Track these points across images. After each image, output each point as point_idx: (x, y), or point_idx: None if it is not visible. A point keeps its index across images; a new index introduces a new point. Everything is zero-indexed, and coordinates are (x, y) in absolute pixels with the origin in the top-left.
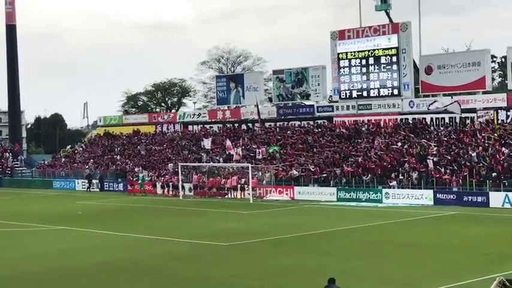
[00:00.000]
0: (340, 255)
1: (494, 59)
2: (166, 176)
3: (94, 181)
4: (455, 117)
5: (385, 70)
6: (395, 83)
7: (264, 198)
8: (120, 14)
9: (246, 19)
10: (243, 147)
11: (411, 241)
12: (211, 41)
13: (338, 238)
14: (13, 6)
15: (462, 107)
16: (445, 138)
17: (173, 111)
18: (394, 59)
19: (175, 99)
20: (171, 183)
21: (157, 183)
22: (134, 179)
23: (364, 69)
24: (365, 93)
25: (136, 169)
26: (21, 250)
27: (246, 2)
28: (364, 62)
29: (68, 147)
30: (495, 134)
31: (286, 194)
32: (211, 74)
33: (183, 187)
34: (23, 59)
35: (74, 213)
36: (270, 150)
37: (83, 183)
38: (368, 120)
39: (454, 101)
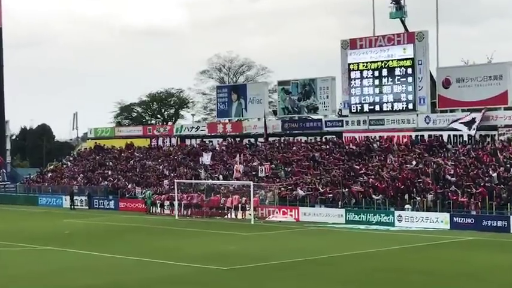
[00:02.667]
0: (347, 283)
1: None
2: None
3: (83, 198)
4: (474, 135)
5: (399, 83)
6: (410, 97)
7: (267, 219)
8: (109, 18)
9: (244, 26)
10: (245, 163)
11: (425, 268)
12: (208, 48)
13: (346, 264)
14: None
15: (482, 124)
16: (463, 157)
17: (170, 123)
18: (410, 70)
19: (172, 111)
20: (166, 202)
21: (157, 201)
22: (142, 197)
23: (376, 82)
24: (377, 108)
25: (130, 185)
26: (3, 271)
27: (244, 8)
28: (376, 73)
29: (55, 162)
30: None
31: (291, 215)
32: (211, 84)
33: (179, 206)
34: (8, 65)
35: (61, 232)
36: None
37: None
38: (380, 136)
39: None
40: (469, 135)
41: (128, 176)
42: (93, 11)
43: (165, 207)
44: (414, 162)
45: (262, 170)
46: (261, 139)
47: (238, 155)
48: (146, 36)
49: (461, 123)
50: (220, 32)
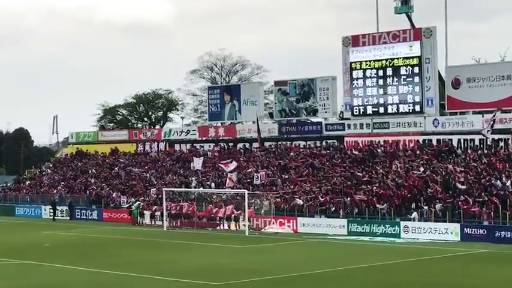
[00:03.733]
0: None
1: None
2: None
3: (63, 208)
4: (486, 139)
5: (405, 83)
6: (417, 98)
7: (262, 230)
8: (88, 11)
9: (237, 21)
10: (238, 170)
11: (433, 284)
12: (198, 46)
13: (348, 279)
14: None
15: (494, 128)
16: (475, 164)
17: (157, 127)
18: (416, 69)
19: (160, 114)
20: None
21: (144, 211)
22: (127, 206)
23: (381, 82)
24: (382, 110)
25: (114, 194)
26: None
27: (235, 2)
28: (381, 72)
29: (34, 169)
30: None
31: (288, 226)
32: (202, 85)
33: (168, 216)
34: None
35: (41, 245)
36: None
37: (51, 210)
38: (385, 141)
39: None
40: (481, 139)
41: (112, 184)
42: (68, 2)
43: (156, 217)
44: (422, 169)
45: (258, 178)
46: (256, 144)
47: (231, 162)
48: (128, 32)
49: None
50: (210, 29)
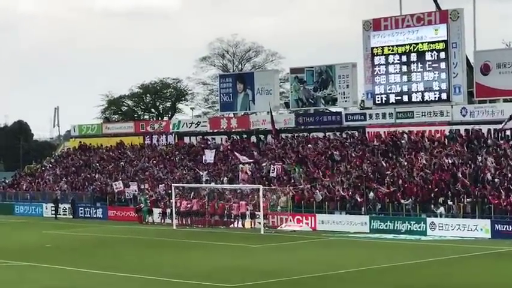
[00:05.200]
0: None
1: None
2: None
3: (66, 206)
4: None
5: (430, 69)
6: (444, 86)
7: (279, 228)
8: None
9: (247, 4)
10: (253, 164)
11: (462, 284)
12: (207, 31)
13: (371, 280)
14: None
15: None
16: (508, 155)
17: (165, 118)
18: (443, 55)
19: (168, 104)
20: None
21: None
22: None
23: (404, 68)
24: (405, 98)
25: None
26: None
27: None
28: (404, 58)
29: (34, 164)
30: None
31: (306, 223)
32: (213, 73)
33: (177, 214)
34: None
35: (42, 245)
36: (291, 171)
37: (52, 208)
38: (409, 131)
39: None
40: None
41: (118, 180)
42: None
43: (166, 215)
44: (449, 161)
45: (274, 170)
46: (270, 135)
47: (243, 153)
48: (132, 18)
49: None
50: (219, 13)
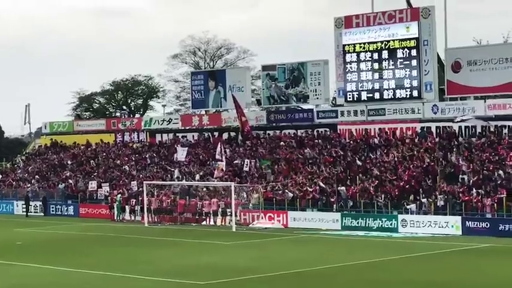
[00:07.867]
0: None
1: None
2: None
3: (37, 203)
4: (488, 126)
5: (402, 66)
6: (415, 83)
7: (250, 225)
8: None
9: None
10: (226, 160)
11: (433, 280)
12: (177, 28)
13: (342, 276)
14: None
15: (496, 114)
16: (478, 153)
17: (137, 116)
18: (414, 52)
19: (139, 102)
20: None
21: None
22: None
23: (376, 65)
24: (377, 95)
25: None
26: None
27: None
28: (376, 56)
29: (4, 162)
30: None
31: (278, 220)
32: (185, 70)
33: (149, 211)
34: None
35: (12, 243)
36: (263, 166)
37: (23, 206)
38: (380, 129)
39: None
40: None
41: (90, 178)
42: None
43: (137, 213)
44: (420, 158)
45: (247, 164)
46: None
47: (219, 145)
48: (102, 14)
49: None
50: (190, 10)
